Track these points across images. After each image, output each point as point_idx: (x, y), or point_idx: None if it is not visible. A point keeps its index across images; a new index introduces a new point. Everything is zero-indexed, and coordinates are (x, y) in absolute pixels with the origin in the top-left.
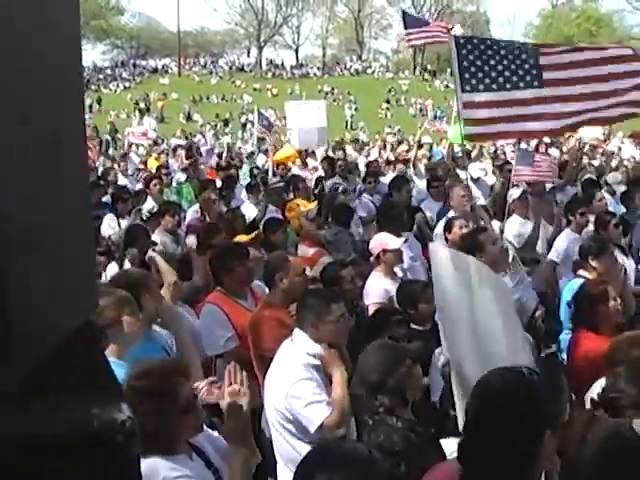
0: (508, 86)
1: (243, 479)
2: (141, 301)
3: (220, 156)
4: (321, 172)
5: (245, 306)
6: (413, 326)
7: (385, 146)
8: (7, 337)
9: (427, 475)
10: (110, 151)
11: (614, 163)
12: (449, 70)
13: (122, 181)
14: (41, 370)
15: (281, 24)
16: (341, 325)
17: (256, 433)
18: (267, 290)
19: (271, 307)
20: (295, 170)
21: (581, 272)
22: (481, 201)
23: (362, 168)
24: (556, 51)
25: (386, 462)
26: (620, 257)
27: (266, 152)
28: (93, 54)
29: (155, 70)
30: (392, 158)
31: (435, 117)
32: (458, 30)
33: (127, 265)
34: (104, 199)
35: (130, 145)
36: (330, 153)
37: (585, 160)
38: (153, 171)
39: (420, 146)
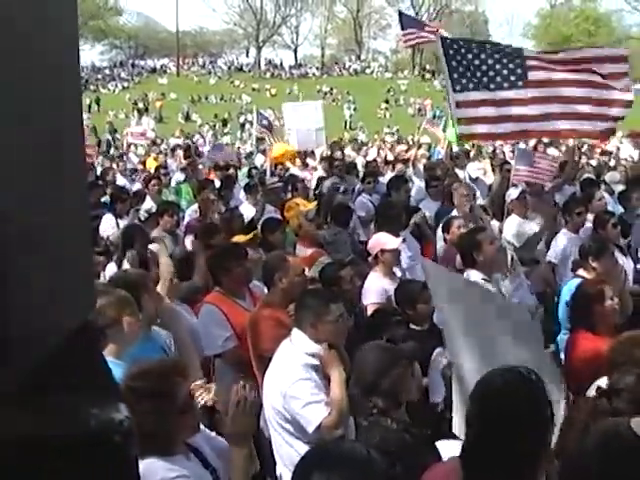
0: (492, 86)
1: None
2: (141, 302)
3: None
4: (321, 172)
5: (243, 306)
6: (411, 326)
7: (383, 144)
8: (7, 337)
9: (426, 474)
10: (111, 151)
11: (612, 162)
12: None
13: (121, 181)
14: (41, 370)
15: (280, 24)
16: (340, 325)
17: (255, 433)
18: (266, 290)
19: (270, 307)
20: (295, 170)
21: (580, 272)
22: (480, 201)
23: (360, 168)
24: (543, 57)
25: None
26: (620, 257)
27: (264, 152)
28: (91, 54)
29: (154, 70)
30: (391, 158)
31: (434, 117)
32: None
33: (126, 265)
34: (103, 199)
35: (129, 145)
36: (328, 153)
37: (583, 160)
38: (152, 171)
39: (419, 146)
